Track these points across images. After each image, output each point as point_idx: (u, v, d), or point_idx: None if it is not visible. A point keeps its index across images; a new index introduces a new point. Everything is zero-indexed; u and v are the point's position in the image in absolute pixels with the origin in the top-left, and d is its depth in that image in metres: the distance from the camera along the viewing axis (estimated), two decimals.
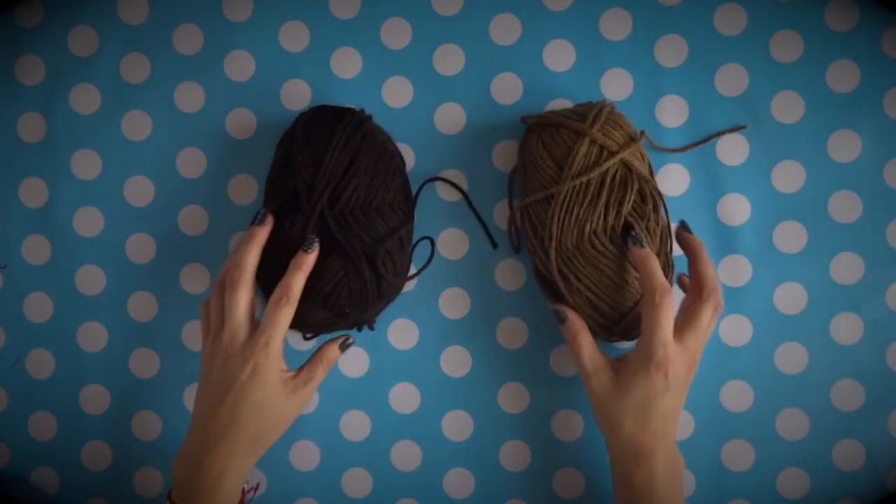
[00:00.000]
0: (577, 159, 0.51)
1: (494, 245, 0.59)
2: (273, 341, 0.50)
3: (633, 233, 0.51)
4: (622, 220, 0.52)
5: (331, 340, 0.54)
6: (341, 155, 0.53)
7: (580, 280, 0.52)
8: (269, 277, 0.53)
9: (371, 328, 0.57)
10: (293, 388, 0.51)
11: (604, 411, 0.51)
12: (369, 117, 0.56)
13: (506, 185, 0.58)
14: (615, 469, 0.53)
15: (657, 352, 0.49)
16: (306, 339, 0.58)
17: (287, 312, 0.50)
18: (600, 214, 0.52)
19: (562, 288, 0.52)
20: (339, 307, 0.53)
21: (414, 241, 0.58)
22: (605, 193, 0.52)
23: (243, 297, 0.51)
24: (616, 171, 0.52)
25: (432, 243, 0.58)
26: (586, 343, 0.52)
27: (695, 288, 0.51)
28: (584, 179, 0.51)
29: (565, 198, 0.52)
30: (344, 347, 0.54)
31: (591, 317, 0.52)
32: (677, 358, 0.49)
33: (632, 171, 0.52)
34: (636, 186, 0.52)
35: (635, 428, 0.50)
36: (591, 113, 0.52)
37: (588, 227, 0.52)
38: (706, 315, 0.50)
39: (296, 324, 0.55)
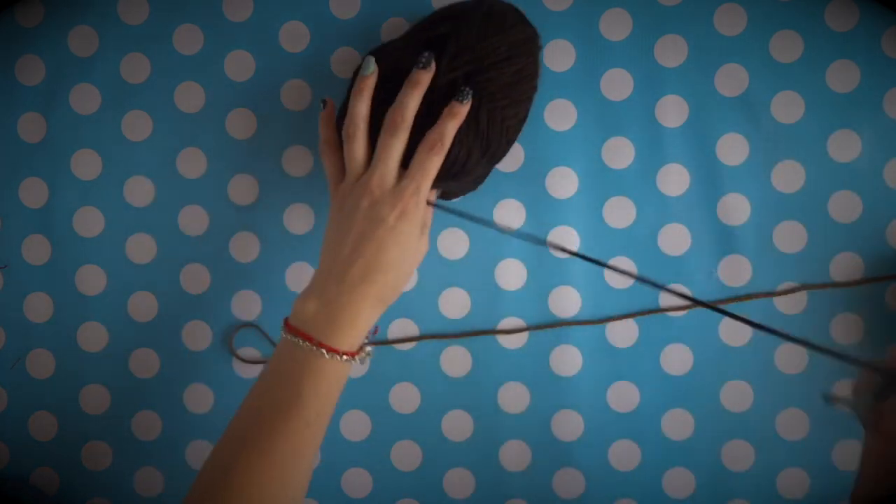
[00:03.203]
0: None
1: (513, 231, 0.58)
2: (422, 188, 0.49)
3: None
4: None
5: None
6: (502, 47, 0.51)
7: None
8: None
9: (374, 332, 0.57)
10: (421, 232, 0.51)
11: None
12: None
13: (506, 184, 0.58)
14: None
15: None
16: None
17: (437, 160, 0.50)
18: None
19: None
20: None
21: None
22: None
23: (399, 141, 0.50)
24: None
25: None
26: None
27: None
28: None
29: None
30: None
31: None
32: None
33: None
34: None
35: None
36: None
37: None
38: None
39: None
